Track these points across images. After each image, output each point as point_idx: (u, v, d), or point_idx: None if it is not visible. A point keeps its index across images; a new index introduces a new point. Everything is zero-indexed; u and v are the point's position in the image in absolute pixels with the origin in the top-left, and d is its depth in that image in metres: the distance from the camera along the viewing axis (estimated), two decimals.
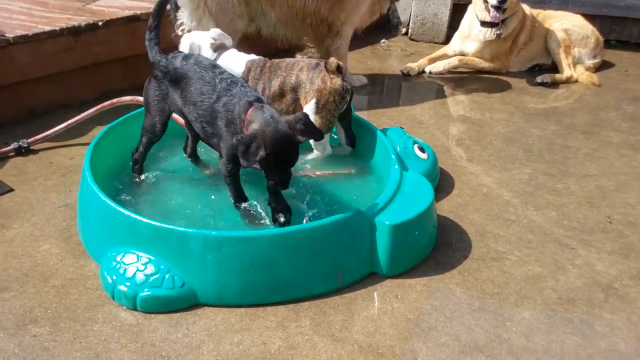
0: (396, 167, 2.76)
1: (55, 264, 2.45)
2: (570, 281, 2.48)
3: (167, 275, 2.23)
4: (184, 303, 2.24)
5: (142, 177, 2.90)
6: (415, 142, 3.07)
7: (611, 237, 2.79)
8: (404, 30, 5.63)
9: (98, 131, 3.06)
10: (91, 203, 2.50)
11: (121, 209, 2.35)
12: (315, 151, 3.12)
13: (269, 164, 2.31)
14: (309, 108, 2.96)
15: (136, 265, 2.25)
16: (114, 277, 2.25)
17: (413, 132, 3.44)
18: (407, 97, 4.42)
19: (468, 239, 2.73)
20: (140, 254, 2.27)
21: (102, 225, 2.45)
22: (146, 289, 2.21)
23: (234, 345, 2.09)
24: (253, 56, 3.20)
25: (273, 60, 3.16)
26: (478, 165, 3.40)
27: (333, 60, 2.96)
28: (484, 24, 4.67)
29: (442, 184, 3.16)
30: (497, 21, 4.55)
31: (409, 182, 2.68)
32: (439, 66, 4.75)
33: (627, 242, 2.76)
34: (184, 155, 3.04)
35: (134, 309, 2.21)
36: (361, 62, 4.84)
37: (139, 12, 3.81)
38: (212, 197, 2.77)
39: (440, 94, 4.51)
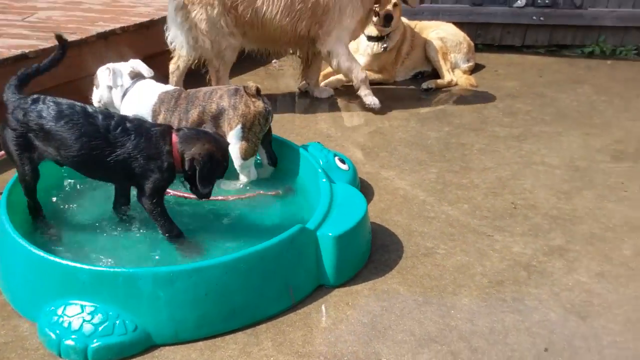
0: (324, 180, 2.87)
1: None
2: (495, 265, 2.73)
3: (117, 321, 2.14)
4: (138, 347, 2.16)
5: (52, 224, 2.74)
6: (335, 155, 3.20)
7: (519, 221, 3.10)
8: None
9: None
10: (16, 256, 2.33)
11: (55, 258, 2.22)
12: (241, 176, 3.14)
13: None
14: (236, 134, 2.99)
15: (81, 316, 2.14)
16: (58, 332, 2.12)
17: (325, 146, 3.56)
18: (310, 113, 4.55)
19: (398, 240, 2.89)
20: (83, 303, 2.16)
21: (32, 278, 2.29)
22: (96, 340, 2.10)
23: None
24: (168, 87, 3.17)
25: (189, 90, 3.16)
26: (390, 171, 3.60)
27: (252, 84, 3.04)
28: (370, 38, 4.96)
29: (362, 191, 3.30)
30: (384, 34, 4.86)
31: (339, 193, 2.79)
32: (333, 82, 4.95)
33: (533, 223, 3.08)
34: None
35: None
36: (257, 83, 4.89)
37: (27, 51, 3.59)
38: (139, 232, 2.70)
39: (338, 108, 4.70)
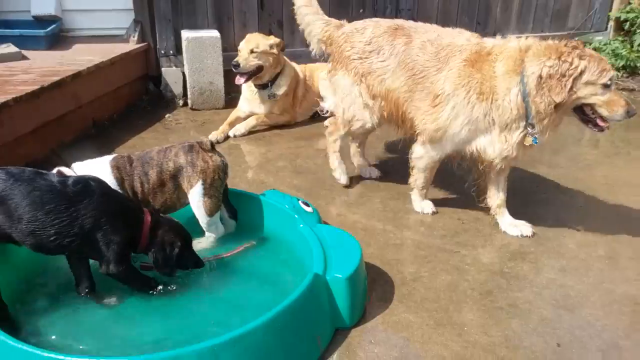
0: (301, 225, 2.86)
1: None
2: (476, 277, 2.93)
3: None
4: None
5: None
6: (298, 199, 3.19)
7: (472, 234, 3.37)
8: (181, 102, 5.63)
9: None
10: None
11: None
12: (207, 234, 2.99)
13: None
14: (197, 191, 2.86)
15: None
16: None
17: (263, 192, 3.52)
18: (235, 163, 4.42)
19: (382, 271, 2.97)
20: None
21: None
22: None
23: None
24: (107, 157, 2.92)
25: (134, 153, 2.96)
26: (339, 207, 3.69)
27: (206, 139, 2.99)
28: (257, 86, 5.02)
29: None
30: (240, 83, 4.90)
31: (324, 235, 2.80)
32: (240, 129, 4.92)
33: (485, 234, 3.36)
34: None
35: None
36: (162, 140, 4.69)
37: None
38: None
39: (257, 154, 4.64)
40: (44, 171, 2.47)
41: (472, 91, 3.09)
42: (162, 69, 5.61)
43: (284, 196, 3.20)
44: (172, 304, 2.54)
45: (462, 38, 3.29)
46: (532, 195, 3.90)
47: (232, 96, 5.56)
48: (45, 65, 4.63)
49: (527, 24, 7.15)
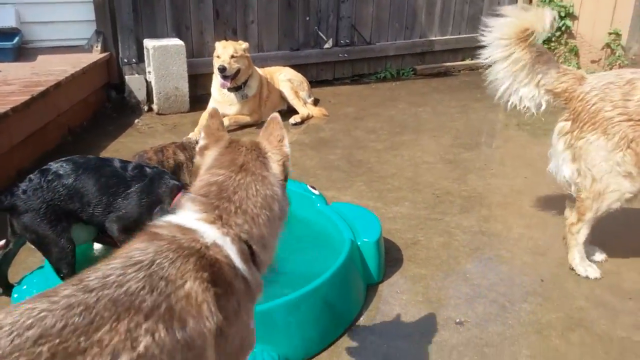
0: (318, 205, 3.33)
1: None
2: (463, 238, 3.53)
3: (264, 356, 2.31)
4: None
5: None
6: (305, 184, 3.63)
7: (448, 205, 3.98)
8: (146, 107, 5.84)
9: None
10: None
11: None
12: None
13: None
14: None
15: None
16: None
17: None
18: None
19: (387, 239, 3.48)
20: None
21: None
22: None
23: None
24: None
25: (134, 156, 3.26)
26: (330, 191, 4.15)
27: (194, 137, 3.47)
28: (230, 89, 5.40)
29: None
30: (225, 87, 5.33)
31: (342, 211, 3.27)
32: (232, 122, 5.29)
33: (458, 205, 3.99)
34: None
35: None
36: (141, 143, 4.92)
37: None
38: None
39: None
40: (106, 157, 2.75)
41: None
42: (126, 77, 5.80)
43: (292, 182, 3.62)
44: None
45: None
46: (486, 171, 4.60)
47: (195, 100, 5.87)
48: (21, 77, 4.72)
49: (447, 27, 8.02)
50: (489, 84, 3.30)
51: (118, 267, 1.23)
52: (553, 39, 8.06)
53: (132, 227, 2.59)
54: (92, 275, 1.21)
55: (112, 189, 2.64)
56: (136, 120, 5.57)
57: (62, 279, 2.58)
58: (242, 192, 1.50)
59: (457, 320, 2.77)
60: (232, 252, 1.40)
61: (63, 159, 2.71)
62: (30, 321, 1.08)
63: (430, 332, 2.70)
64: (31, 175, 2.62)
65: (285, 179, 1.64)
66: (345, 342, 2.60)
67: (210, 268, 1.31)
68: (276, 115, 1.75)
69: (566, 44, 7.95)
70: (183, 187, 2.74)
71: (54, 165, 2.64)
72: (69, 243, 2.59)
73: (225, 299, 1.32)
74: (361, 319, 2.75)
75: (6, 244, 2.77)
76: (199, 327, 1.23)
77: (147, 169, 2.76)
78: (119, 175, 2.67)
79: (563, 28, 7.87)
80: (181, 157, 3.23)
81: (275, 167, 1.61)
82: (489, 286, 3.04)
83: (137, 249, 1.30)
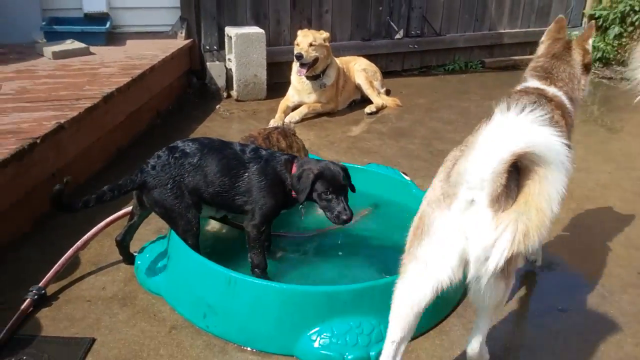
0: (414, 191, 3.42)
1: None
2: None
3: (381, 328, 2.43)
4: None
5: None
6: (396, 170, 3.73)
7: None
8: (225, 94, 6.04)
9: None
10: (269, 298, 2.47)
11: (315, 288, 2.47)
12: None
13: (324, 193, 2.71)
14: None
15: (353, 331, 2.40)
16: (337, 350, 2.36)
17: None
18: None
19: None
20: (348, 320, 2.42)
21: (288, 313, 2.46)
22: (372, 347, 2.40)
23: None
24: None
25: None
26: (415, 180, 4.25)
27: (291, 124, 3.64)
28: (309, 77, 5.53)
29: None
30: (302, 75, 5.44)
31: None
32: (295, 116, 5.41)
33: None
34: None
35: None
36: (226, 128, 5.12)
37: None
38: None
39: (319, 138, 5.08)
40: (228, 140, 2.92)
41: None
42: (207, 64, 5.99)
43: (387, 168, 3.73)
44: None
45: None
46: None
47: (271, 87, 6.03)
48: (117, 60, 4.96)
49: (517, 20, 7.96)
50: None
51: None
52: (625, 35, 7.93)
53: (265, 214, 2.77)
54: None
55: (233, 170, 2.78)
56: (217, 106, 5.76)
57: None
58: (557, 69, 2.68)
59: (559, 308, 2.83)
60: (564, 99, 2.57)
61: (189, 138, 2.88)
62: None
63: (534, 316, 2.77)
64: (159, 152, 2.80)
65: (586, 65, 2.74)
66: (452, 321, 2.70)
67: (560, 107, 2.50)
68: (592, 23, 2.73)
69: (639, 39, 7.81)
70: (295, 157, 2.88)
71: (181, 144, 2.82)
72: (194, 217, 2.75)
73: (567, 120, 2.52)
74: (464, 301, 2.84)
75: (131, 216, 2.97)
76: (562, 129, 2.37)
77: (262, 151, 2.89)
78: (238, 158, 2.82)
79: (637, 23, 7.72)
80: (283, 144, 3.38)
81: (576, 56, 2.72)
82: (587, 276, 3.09)
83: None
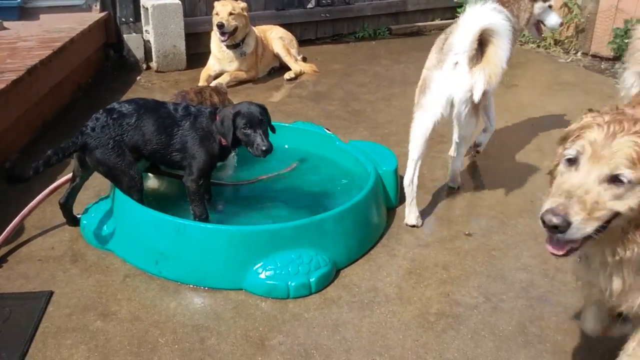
0: (337, 143, 3.77)
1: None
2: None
3: (319, 258, 2.77)
4: (333, 273, 2.84)
5: None
6: (321, 127, 4.06)
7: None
8: (144, 66, 6.08)
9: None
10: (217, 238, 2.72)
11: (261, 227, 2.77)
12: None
13: (243, 128, 2.90)
14: None
15: (294, 262, 2.72)
16: (283, 279, 2.69)
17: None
18: None
19: None
20: (290, 253, 2.74)
21: (236, 250, 2.74)
22: (313, 274, 2.72)
23: None
24: None
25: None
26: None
27: (223, 83, 4.19)
28: (229, 46, 5.71)
29: None
30: (224, 41, 5.64)
31: (359, 146, 3.73)
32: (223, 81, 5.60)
33: None
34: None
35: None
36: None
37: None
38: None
39: None
40: (161, 100, 3.11)
41: None
42: (124, 36, 6.01)
43: (311, 124, 4.05)
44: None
45: None
46: None
47: (192, 57, 6.15)
48: (34, 34, 4.91)
49: None
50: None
51: None
52: None
53: (201, 167, 2.98)
54: None
55: (168, 128, 2.99)
56: (138, 77, 5.82)
57: None
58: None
59: (466, 232, 3.30)
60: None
61: (124, 100, 3.05)
62: None
63: (445, 241, 3.22)
64: (97, 115, 2.95)
65: None
66: (378, 250, 3.09)
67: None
68: None
69: None
70: (216, 109, 3.12)
71: (117, 105, 2.98)
72: (137, 173, 2.95)
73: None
74: (387, 233, 3.24)
75: (73, 179, 3.10)
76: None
77: (192, 108, 3.10)
78: (172, 116, 3.03)
79: None
80: (216, 99, 3.64)
81: None
82: (489, 206, 3.58)
83: None
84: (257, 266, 2.70)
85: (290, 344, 2.42)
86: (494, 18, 3.00)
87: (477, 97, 3.07)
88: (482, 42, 3.05)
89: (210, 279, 2.74)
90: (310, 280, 2.70)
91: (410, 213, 3.32)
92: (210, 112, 3.08)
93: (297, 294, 2.68)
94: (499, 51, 3.03)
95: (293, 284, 2.67)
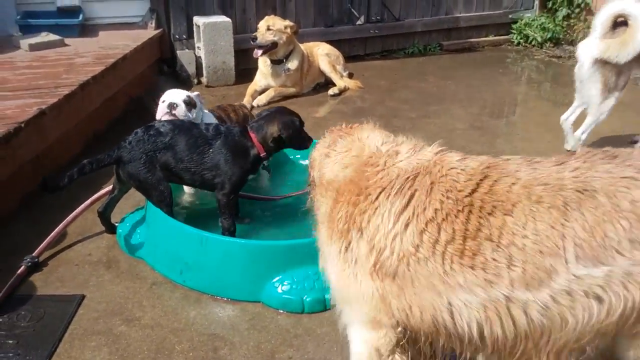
0: None
1: None
2: None
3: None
4: None
5: None
6: None
7: None
8: (195, 80, 6.35)
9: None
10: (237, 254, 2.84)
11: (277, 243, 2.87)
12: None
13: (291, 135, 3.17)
14: None
15: (310, 277, 2.78)
16: (299, 294, 2.75)
17: None
18: None
19: None
20: (306, 269, 2.80)
21: (254, 265, 2.83)
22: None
23: None
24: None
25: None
26: None
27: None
28: (273, 62, 5.88)
29: None
30: (256, 56, 5.80)
31: None
32: (262, 99, 5.76)
33: None
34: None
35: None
36: None
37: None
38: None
39: None
40: (196, 122, 3.27)
41: None
42: (177, 52, 6.30)
43: None
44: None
45: None
46: (513, 136, 5.04)
47: (239, 73, 6.36)
48: (90, 50, 5.24)
49: (472, 4, 8.38)
50: None
51: None
52: (573, 16, 8.40)
53: (234, 182, 3.12)
54: None
55: (200, 147, 3.11)
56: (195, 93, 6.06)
57: None
58: None
59: None
60: None
61: (164, 120, 3.22)
62: None
63: None
64: (137, 130, 3.13)
65: None
66: None
67: None
68: None
69: (585, 20, 8.26)
70: (244, 126, 3.26)
71: (157, 124, 3.15)
72: (166, 189, 3.09)
73: None
74: None
75: (112, 190, 3.30)
76: None
77: (221, 127, 3.23)
78: (203, 136, 3.15)
79: (582, 5, 8.19)
80: (246, 110, 3.90)
81: None
82: None
83: None
84: (274, 280, 2.78)
85: (299, 359, 2.48)
86: None
87: None
88: None
89: (230, 290, 2.84)
90: (326, 296, 2.75)
91: None
92: (240, 130, 3.20)
93: (312, 309, 2.74)
94: None
95: (308, 299, 2.73)
